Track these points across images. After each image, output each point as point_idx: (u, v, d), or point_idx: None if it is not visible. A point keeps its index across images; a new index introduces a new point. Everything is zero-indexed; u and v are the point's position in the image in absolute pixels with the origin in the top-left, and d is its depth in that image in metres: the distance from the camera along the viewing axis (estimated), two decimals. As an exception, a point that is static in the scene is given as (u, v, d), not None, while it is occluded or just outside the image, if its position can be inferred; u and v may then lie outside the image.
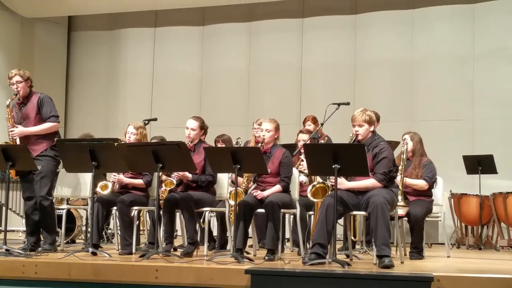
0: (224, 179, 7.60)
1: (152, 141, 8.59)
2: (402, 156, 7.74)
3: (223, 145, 8.85)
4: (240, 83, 13.13)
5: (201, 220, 8.03)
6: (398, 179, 7.35)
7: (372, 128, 6.62)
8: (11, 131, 7.27)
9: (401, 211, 7.30)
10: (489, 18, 11.79)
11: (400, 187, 7.31)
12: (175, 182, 7.29)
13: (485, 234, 10.24)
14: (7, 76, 7.41)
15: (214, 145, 8.87)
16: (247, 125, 10.46)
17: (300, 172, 7.75)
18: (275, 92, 12.83)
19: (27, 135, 7.25)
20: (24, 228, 7.99)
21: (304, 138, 8.31)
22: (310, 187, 7.14)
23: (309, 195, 7.08)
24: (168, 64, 13.61)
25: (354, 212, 6.63)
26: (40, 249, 7.17)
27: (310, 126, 9.12)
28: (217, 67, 13.30)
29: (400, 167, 7.46)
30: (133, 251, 7.29)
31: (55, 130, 7.36)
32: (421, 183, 7.68)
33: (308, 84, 12.72)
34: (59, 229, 8.08)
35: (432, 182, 7.75)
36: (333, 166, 6.17)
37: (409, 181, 7.68)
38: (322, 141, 8.49)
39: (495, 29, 11.71)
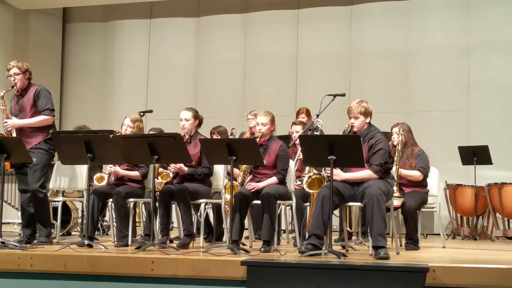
0: (220, 170, 7.60)
1: (150, 132, 8.57)
2: (397, 147, 7.76)
3: (219, 137, 8.84)
4: (235, 75, 13.12)
5: (198, 213, 8.03)
6: (393, 170, 7.37)
7: (368, 120, 6.62)
8: (5, 122, 7.25)
9: (396, 202, 7.31)
10: (484, 9, 11.78)
11: (396, 178, 7.32)
12: (171, 175, 7.29)
13: (480, 225, 10.27)
14: (4, 68, 7.39)
15: (210, 137, 8.87)
16: (243, 117, 10.46)
17: (299, 177, 7.74)
18: (271, 83, 12.81)
19: (22, 127, 7.23)
20: (20, 221, 7.98)
21: (297, 129, 8.30)
22: (306, 178, 7.14)
23: (305, 186, 7.08)
24: (163, 55, 13.58)
25: (350, 203, 6.64)
26: (35, 241, 7.16)
27: (304, 119, 9.12)
28: (213, 58, 13.28)
29: (395, 158, 7.48)
30: (129, 243, 7.29)
31: (49, 123, 7.29)
32: (416, 174, 7.72)
33: (304, 75, 12.71)
34: (54, 221, 8.07)
35: (426, 172, 7.79)
36: (329, 157, 6.18)
37: (404, 172, 7.70)
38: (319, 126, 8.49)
39: (490, 19, 11.71)
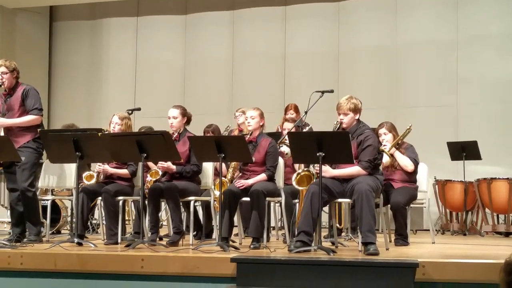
0: (209, 168, 7.59)
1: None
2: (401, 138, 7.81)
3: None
4: (223, 72, 13.12)
5: (188, 210, 8.02)
6: (388, 147, 7.43)
7: (357, 116, 6.62)
8: (-7, 122, 7.21)
9: (385, 159, 7.40)
10: (472, 4, 11.84)
11: (389, 154, 7.50)
12: (160, 172, 7.28)
13: (470, 220, 10.30)
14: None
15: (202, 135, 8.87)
16: (231, 114, 10.48)
17: (282, 143, 7.73)
18: (259, 80, 12.83)
19: (10, 127, 7.19)
20: (9, 219, 7.95)
21: (289, 126, 8.30)
22: (295, 175, 7.14)
23: (294, 183, 7.07)
24: (151, 53, 13.58)
25: (339, 200, 6.64)
26: (25, 240, 7.14)
27: (292, 115, 9.11)
28: (201, 56, 13.28)
29: (393, 142, 7.67)
30: (119, 241, 7.27)
31: (37, 123, 7.24)
32: (408, 162, 7.65)
33: (292, 72, 12.73)
34: (44, 220, 8.04)
35: (417, 164, 7.76)
36: (318, 154, 6.18)
37: (398, 154, 7.67)
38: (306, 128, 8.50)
39: (478, 15, 11.76)
